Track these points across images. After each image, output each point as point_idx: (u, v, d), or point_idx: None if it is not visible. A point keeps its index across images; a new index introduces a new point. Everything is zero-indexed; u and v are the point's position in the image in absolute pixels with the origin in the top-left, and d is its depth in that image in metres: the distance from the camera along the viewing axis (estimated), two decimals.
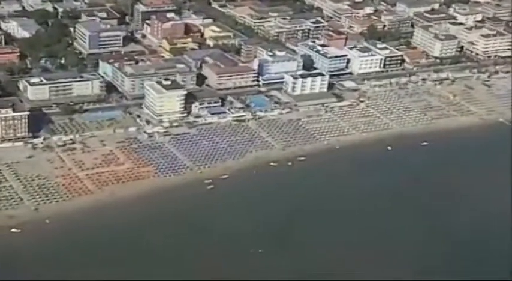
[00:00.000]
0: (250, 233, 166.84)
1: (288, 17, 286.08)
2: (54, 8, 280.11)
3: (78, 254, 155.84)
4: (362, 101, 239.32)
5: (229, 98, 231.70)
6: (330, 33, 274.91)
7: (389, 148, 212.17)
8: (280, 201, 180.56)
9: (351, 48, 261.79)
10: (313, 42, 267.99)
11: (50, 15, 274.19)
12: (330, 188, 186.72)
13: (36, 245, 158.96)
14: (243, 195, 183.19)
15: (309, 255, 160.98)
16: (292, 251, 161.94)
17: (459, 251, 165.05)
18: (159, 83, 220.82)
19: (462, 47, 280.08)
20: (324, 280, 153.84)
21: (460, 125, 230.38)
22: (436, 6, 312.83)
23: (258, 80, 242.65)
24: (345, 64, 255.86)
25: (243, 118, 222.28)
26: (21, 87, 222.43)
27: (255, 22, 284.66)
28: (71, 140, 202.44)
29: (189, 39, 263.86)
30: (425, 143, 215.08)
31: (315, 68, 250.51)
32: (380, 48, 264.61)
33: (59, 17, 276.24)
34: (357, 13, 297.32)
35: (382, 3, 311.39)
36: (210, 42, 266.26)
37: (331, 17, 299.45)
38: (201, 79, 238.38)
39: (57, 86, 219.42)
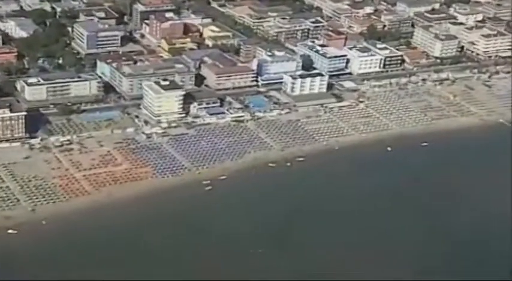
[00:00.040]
0: (249, 234, 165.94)
1: (287, 17, 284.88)
2: (52, 8, 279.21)
3: (75, 255, 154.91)
4: (362, 102, 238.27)
5: (228, 98, 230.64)
6: (330, 33, 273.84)
7: (389, 148, 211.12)
8: (279, 202, 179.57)
9: (350, 48, 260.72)
10: (313, 42, 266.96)
11: (48, 15, 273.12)
12: (330, 189, 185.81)
13: (33, 246, 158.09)
14: (242, 196, 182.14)
15: (309, 255, 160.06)
16: (291, 252, 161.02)
17: (459, 252, 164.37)
18: (157, 83, 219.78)
19: (462, 47, 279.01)
20: (323, 280, 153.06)
21: (460, 126, 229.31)
22: (437, 6, 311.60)
23: (257, 80, 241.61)
24: (344, 64, 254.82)
25: (241, 119, 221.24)
26: (18, 87, 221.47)
27: (254, 22, 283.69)
28: (68, 140, 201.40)
29: (188, 39, 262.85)
30: (425, 144, 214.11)
31: (315, 68, 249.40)
32: (380, 48, 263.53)
33: (57, 16, 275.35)
34: (357, 13, 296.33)
35: (382, 3, 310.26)
36: (209, 42, 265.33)
37: (330, 17, 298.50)
38: (199, 79, 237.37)
39: (54, 86, 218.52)
